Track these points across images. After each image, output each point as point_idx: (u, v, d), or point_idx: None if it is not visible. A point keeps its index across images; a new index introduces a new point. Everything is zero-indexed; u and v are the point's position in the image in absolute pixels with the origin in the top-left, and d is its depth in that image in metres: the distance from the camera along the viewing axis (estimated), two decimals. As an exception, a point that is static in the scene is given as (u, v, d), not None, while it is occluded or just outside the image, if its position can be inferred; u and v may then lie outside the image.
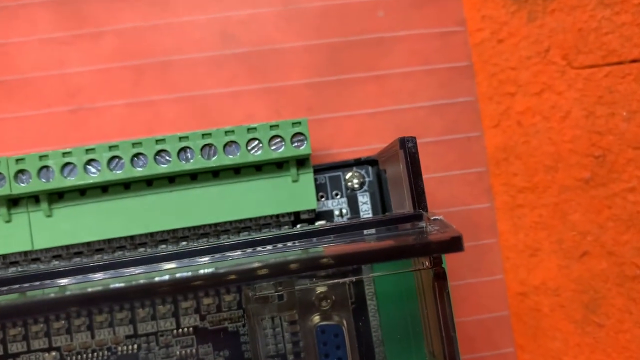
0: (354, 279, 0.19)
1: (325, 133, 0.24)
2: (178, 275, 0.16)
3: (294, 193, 0.21)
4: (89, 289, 0.16)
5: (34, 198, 0.20)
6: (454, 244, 0.14)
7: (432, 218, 0.16)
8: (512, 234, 0.24)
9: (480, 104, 0.24)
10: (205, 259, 0.17)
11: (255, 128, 0.20)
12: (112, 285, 0.16)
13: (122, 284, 0.16)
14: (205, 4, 0.23)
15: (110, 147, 0.19)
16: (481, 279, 0.24)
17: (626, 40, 0.25)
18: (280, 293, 0.18)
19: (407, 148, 0.17)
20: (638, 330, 0.24)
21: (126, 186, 0.20)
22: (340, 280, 0.18)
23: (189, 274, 0.16)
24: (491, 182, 0.24)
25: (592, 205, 0.25)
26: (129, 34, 0.23)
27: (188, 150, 0.20)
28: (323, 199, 0.22)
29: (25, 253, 0.21)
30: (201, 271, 0.15)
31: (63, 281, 0.17)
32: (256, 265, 0.14)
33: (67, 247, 0.21)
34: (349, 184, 0.22)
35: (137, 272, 0.17)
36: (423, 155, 0.24)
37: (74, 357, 0.21)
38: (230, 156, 0.20)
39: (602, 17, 0.25)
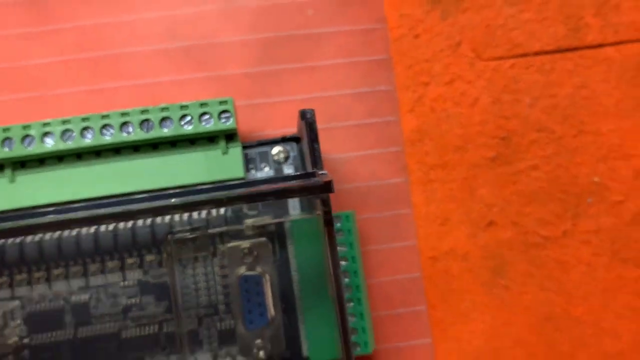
0: (272, 222, 0.22)
1: (262, 116, 0.27)
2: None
3: (224, 164, 0.24)
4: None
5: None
6: (326, 186, 0.17)
7: (320, 173, 0.19)
8: (424, 205, 0.27)
9: (397, 92, 0.28)
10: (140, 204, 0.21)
11: (187, 106, 0.23)
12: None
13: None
14: (152, 3, 0.27)
15: (64, 122, 0.23)
16: (397, 245, 0.27)
17: (529, 35, 0.28)
18: (194, 236, 0.22)
19: (306, 118, 0.20)
20: (538, 292, 0.27)
21: (78, 156, 0.24)
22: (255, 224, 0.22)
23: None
24: (407, 160, 0.28)
25: (498, 181, 0.28)
26: (87, 29, 0.27)
27: (130, 124, 0.23)
28: (252, 171, 0.25)
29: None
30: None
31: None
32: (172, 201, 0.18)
33: (29, 208, 0.24)
34: (276, 158, 0.25)
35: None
36: (347, 136, 0.27)
37: (34, 306, 0.24)
38: (165, 129, 0.23)
39: (508, 15, 0.28)
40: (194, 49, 0.27)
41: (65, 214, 0.20)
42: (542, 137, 0.28)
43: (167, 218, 0.24)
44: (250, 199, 0.18)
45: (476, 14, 0.28)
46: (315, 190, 0.17)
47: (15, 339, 0.24)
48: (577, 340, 0.27)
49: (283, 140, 0.25)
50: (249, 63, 0.27)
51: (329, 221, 0.19)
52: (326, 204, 0.19)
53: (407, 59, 0.28)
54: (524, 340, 0.27)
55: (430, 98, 0.28)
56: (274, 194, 0.18)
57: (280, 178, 0.20)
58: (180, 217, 0.24)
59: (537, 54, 0.28)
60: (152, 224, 0.24)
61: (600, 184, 0.28)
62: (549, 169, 0.28)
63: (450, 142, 0.28)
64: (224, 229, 0.22)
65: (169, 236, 0.21)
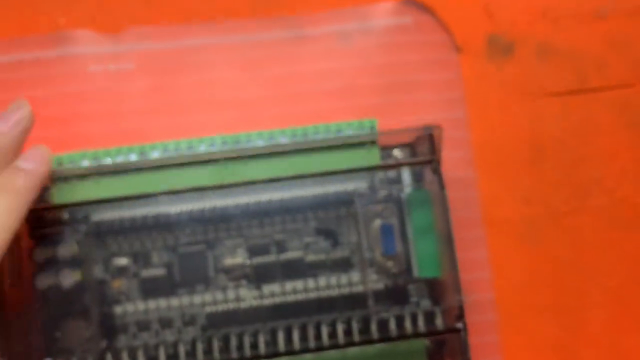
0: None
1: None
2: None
3: (369, 157, 0.40)
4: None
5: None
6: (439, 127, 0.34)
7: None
8: (486, 188, 0.43)
9: (469, 116, 0.44)
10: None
11: (352, 123, 0.39)
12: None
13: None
14: (318, 60, 0.43)
15: (281, 131, 0.39)
16: (468, 213, 0.43)
17: (552, 82, 0.44)
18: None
19: (427, 129, 0.37)
20: (559, 244, 0.43)
21: (283, 153, 0.40)
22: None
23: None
24: (475, 160, 0.43)
25: (533, 174, 0.43)
26: (278, 77, 0.43)
27: (319, 132, 0.39)
28: (382, 163, 0.41)
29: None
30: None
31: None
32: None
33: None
34: (396, 156, 0.41)
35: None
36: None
37: (252, 241, 0.40)
38: (340, 134, 0.39)
39: (538, 70, 0.44)
40: (342, 89, 0.43)
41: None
42: (561, 146, 0.44)
43: (332, 190, 0.40)
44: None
45: (518, 68, 0.44)
46: (435, 129, 0.34)
47: (240, 260, 0.40)
48: (584, 275, 0.43)
49: (401, 145, 0.41)
50: (376, 97, 0.44)
51: (437, 169, 0.36)
52: (436, 151, 0.36)
53: (475, 96, 0.44)
54: (551, 273, 0.43)
55: (489, 121, 0.44)
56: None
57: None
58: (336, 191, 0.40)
59: (557, 94, 0.44)
60: (323, 196, 0.40)
61: (599, 177, 0.44)
62: (566, 167, 0.44)
63: (503, 149, 0.44)
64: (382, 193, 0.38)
65: (356, 199, 0.38)
